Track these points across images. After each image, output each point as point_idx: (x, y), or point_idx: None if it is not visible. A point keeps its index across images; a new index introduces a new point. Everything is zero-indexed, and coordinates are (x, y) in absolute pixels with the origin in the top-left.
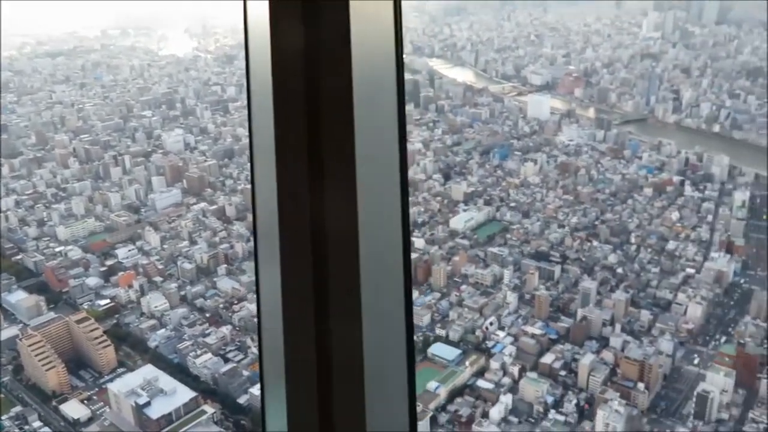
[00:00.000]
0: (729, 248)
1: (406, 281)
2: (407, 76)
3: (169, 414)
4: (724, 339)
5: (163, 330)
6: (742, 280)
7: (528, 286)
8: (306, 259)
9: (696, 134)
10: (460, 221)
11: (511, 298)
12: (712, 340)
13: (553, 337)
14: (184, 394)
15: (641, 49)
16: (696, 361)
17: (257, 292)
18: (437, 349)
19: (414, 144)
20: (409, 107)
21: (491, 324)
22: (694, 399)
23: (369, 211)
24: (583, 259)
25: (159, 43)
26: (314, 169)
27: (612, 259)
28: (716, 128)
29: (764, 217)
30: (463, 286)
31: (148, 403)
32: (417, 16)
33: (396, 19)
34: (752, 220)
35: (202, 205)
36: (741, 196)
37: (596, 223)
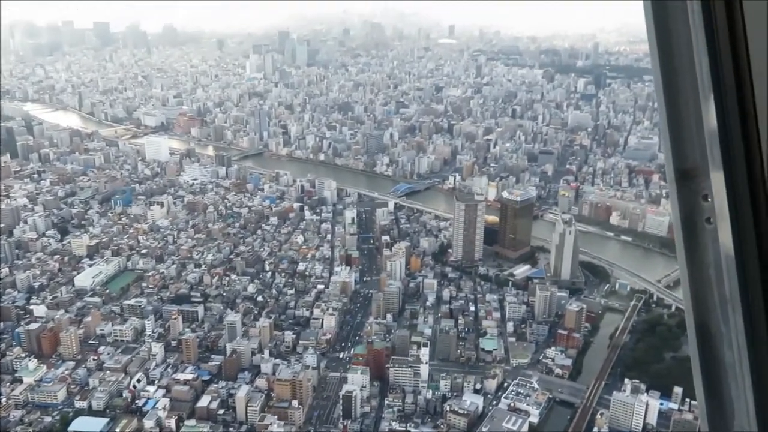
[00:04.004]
0: (348, 261)
1: None
2: None
3: None
4: (355, 342)
5: None
6: (361, 287)
7: (173, 332)
8: None
9: (306, 163)
10: (86, 278)
11: (157, 348)
12: (347, 344)
13: (206, 378)
14: None
15: (248, 88)
16: (337, 367)
17: None
18: (80, 424)
19: (17, 200)
20: (5, 158)
21: (139, 381)
22: (341, 401)
23: None
24: (224, 294)
25: None
26: None
27: (251, 289)
28: (321, 157)
29: (372, 231)
30: (101, 348)
31: None
32: None
33: None
34: (362, 234)
35: None
36: (350, 214)
37: (231, 256)
